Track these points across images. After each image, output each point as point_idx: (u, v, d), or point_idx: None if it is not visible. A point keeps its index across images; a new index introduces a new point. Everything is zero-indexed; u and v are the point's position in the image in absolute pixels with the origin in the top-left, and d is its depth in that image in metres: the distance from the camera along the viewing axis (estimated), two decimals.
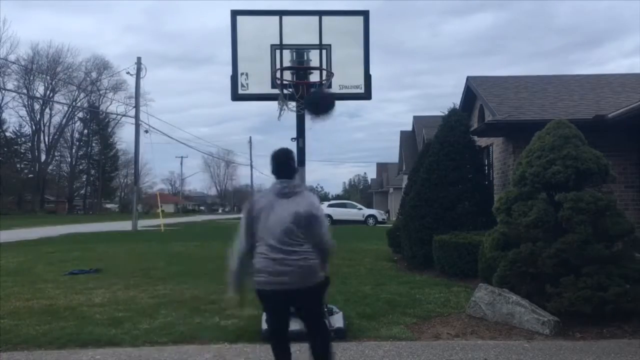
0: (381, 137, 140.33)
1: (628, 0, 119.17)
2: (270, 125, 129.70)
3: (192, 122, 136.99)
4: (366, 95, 5.86)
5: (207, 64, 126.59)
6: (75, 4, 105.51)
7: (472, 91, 12.24)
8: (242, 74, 5.75)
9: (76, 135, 69.43)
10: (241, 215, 3.69)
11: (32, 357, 4.74)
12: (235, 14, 5.82)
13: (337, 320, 5.28)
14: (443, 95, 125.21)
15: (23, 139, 64.59)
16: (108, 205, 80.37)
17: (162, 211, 35.75)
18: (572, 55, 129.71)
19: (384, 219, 33.92)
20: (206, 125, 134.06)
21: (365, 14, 5.81)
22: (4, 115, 60.82)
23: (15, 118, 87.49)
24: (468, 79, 12.51)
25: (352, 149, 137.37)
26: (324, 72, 5.64)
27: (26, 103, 62.07)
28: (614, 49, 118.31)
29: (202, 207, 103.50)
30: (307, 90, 5.45)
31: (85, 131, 69.58)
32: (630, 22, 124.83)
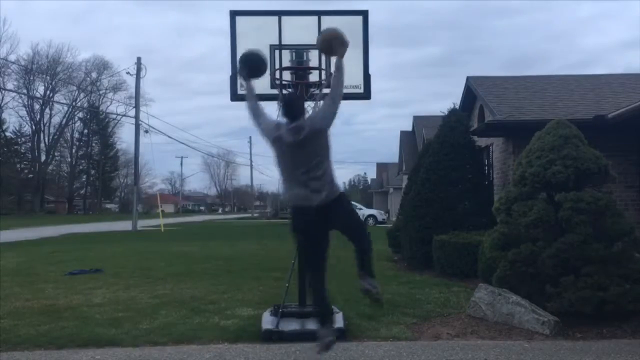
0: (371, 140, 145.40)
1: (563, 20, 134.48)
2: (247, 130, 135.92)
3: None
4: (366, 94, 5.84)
5: (185, 84, 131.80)
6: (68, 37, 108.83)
7: (472, 91, 12.23)
8: None
9: (76, 135, 69.46)
10: None
11: (32, 357, 4.74)
12: (234, 14, 5.80)
13: (337, 320, 5.28)
14: (416, 101, 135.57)
15: (23, 139, 64.57)
16: (108, 206, 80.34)
17: (162, 211, 35.77)
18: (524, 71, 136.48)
19: (384, 219, 33.93)
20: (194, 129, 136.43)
21: (364, 13, 5.80)
22: (4, 115, 60.73)
23: (15, 118, 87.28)
24: (468, 79, 12.50)
25: (347, 149, 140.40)
26: (323, 72, 5.63)
27: (26, 103, 62.03)
28: (558, 62, 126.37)
29: (202, 207, 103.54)
30: (306, 90, 5.44)
31: (85, 131, 69.57)
32: (569, 38, 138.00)
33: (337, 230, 4.11)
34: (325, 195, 3.97)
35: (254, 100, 4.46)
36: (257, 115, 4.39)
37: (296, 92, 4.37)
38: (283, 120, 4.21)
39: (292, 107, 4.15)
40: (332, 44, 4.28)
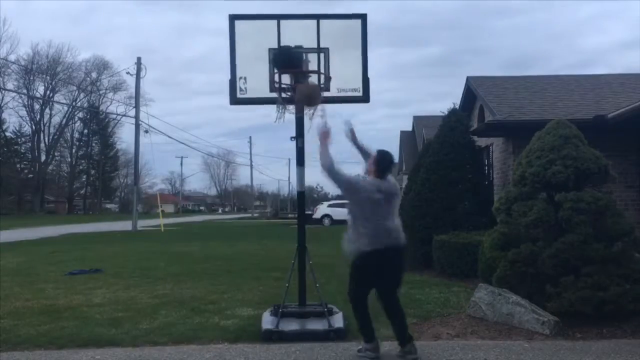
0: (371, 140, 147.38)
1: (562, 20, 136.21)
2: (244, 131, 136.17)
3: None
4: (364, 98, 5.82)
5: (185, 84, 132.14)
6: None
7: (472, 91, 12.23)
8: (240, 78, 5.71)
9: (76, 135, 69.51)
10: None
11: (32, 357, 4.74)
12: (233, 18, 5.77)
13: (337, 320, 5.28)
14: (415, 101, 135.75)
15: (23, 139, 64.58)
16: (108, 206, 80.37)
17: (162, 211, 35.77)
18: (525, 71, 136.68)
19: None
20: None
21: (363, 17, 5.77)
22: (4, 115, 60.76)
23: (15, 118, 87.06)
24: (468, 79, 12.51)
25: (347, 149, 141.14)
26: (322, 76, 5.62)
27: (26, 103, 62.06)
28: (558, 62, 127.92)
29: (202, 207, 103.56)
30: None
31: (85, 131, 69.60)
32: (569, 38, 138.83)
33: (387, 274, 4.54)
34: (403, 238, 4.65)
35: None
36: (342, 172, 4.67)
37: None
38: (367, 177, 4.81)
39: (390, 170, 4.78)
40: (312, 97, 5.23)
